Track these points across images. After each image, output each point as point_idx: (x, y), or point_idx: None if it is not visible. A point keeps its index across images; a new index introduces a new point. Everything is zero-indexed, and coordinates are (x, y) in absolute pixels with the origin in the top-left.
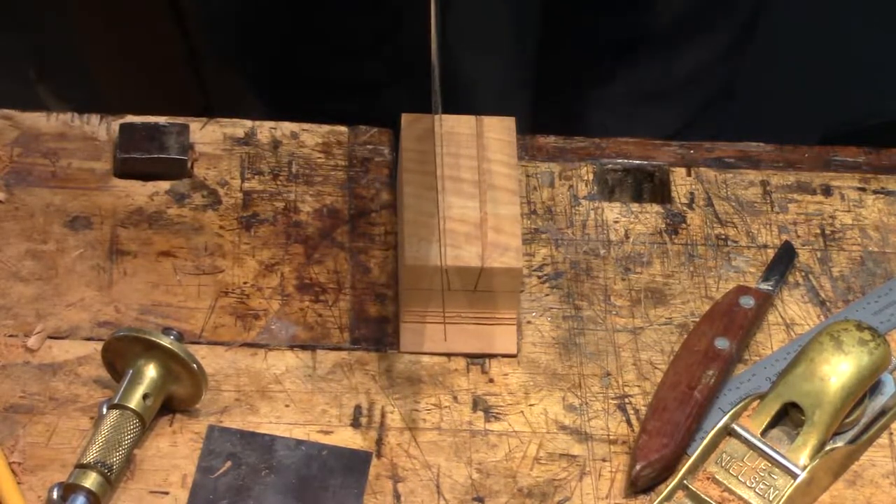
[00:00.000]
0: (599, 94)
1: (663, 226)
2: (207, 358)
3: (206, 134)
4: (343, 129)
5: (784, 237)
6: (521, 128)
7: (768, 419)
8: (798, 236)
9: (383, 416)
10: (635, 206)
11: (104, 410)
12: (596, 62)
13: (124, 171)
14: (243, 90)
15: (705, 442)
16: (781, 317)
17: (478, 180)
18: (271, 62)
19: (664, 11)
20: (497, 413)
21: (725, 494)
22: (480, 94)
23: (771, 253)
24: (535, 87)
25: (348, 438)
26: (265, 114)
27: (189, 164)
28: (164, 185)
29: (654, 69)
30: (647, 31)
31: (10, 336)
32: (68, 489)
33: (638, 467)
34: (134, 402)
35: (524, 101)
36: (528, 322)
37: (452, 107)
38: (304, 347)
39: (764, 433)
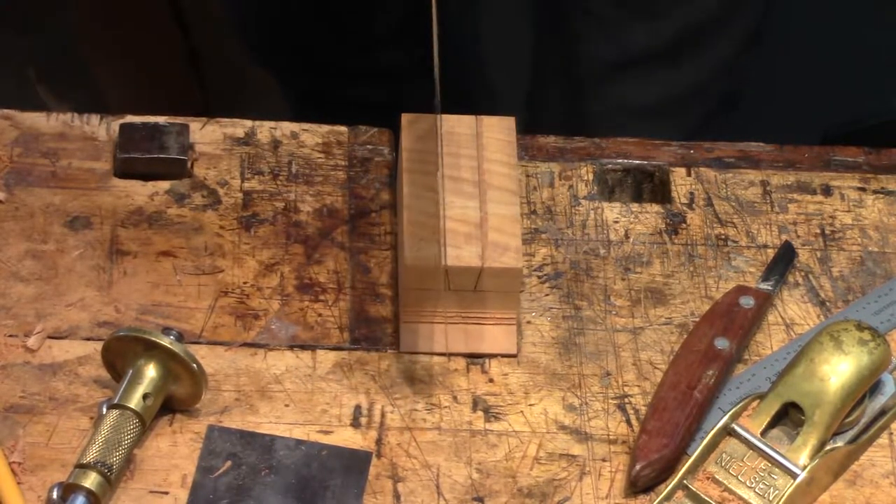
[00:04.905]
0: (599, 106)
1: (663, 226)
2: (207, 358)
3: (206, 134)
4: (343, 129)
5: (784, 237)
6: (521, 128)
7: (768, 419)
8: (798, 236)
9: (383, 416)
10: (635, 206)
11: (104, 410)
12: (598, 77)
13: (124, 171)
14: (271, 83)
15: (705, 442)
16: (781, 317)
17: (478, 180)
18: (295, 54)
19: (666, 25)
20: (497, 413)
21: (725, 494)
22: (481, 94)
23: (771, 253)
24: (536, 96)
25: (348, 438)
26: (290, 108)
27: (189, 164)
28: (164, 185)
29: (655, 83)
30: (648, 45)
31: (10, 336)
32: (68, 489)
33: (638, 467)
34: (134, 402)
35: (524, 103)
36: (528, 322)
37: (453, 107)
38: (303, 347)
39: (764, 433)
